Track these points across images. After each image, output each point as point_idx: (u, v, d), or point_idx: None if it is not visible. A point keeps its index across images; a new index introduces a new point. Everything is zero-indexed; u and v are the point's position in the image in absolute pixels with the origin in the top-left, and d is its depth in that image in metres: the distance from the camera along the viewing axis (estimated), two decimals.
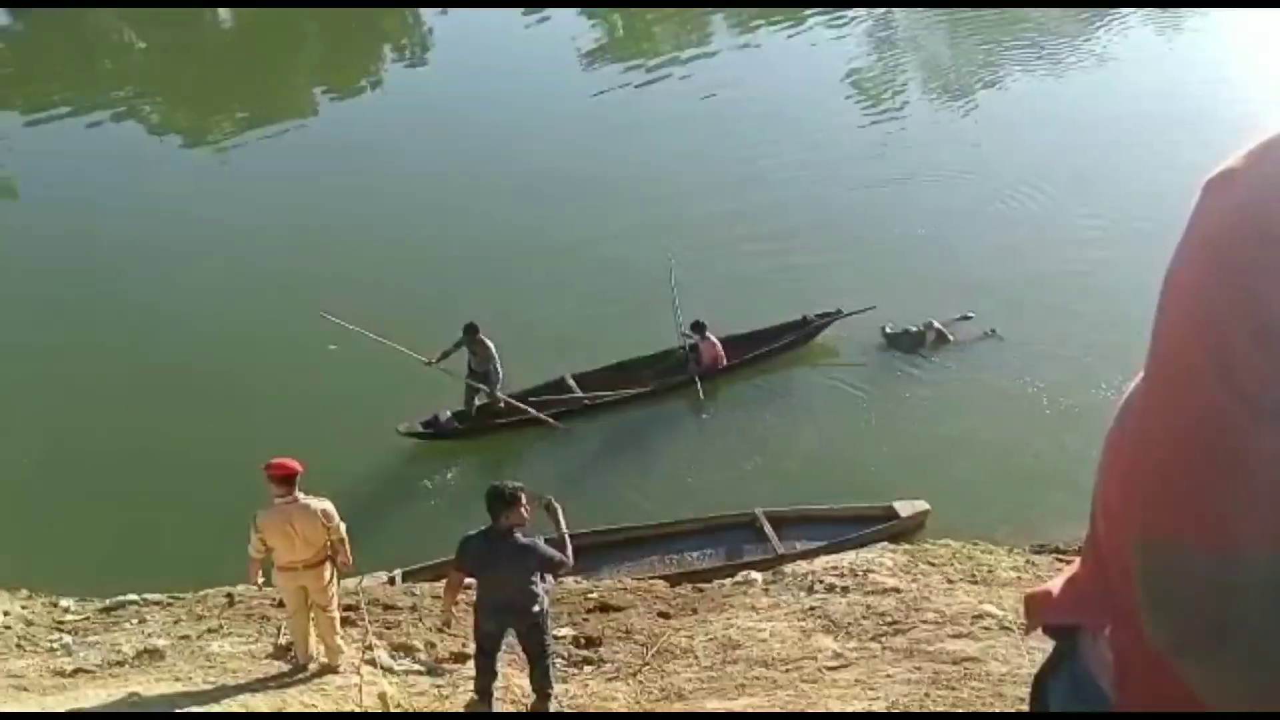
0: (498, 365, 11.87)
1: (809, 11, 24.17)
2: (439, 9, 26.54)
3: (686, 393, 12.38)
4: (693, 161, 17.11)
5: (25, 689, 7.11)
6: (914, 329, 12.89)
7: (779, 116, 18.72)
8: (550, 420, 11.96)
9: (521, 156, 17.91)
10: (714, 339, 12.55)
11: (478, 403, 12.15)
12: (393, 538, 10.26)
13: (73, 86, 24.07)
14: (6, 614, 8.76)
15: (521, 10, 25.75)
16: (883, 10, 24.43)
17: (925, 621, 7.32)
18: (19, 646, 8.16)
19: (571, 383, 12.49)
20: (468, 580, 6.63)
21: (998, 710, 5.99)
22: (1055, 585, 1.30)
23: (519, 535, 6.16)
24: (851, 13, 24.01)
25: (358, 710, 6.66)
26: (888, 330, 12.95)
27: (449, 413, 12.11)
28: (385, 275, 14.54)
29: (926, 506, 10.25)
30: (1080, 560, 1.27)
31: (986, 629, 6.97)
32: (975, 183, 16.32)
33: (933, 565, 8.50)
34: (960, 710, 6.10)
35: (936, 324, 12.87)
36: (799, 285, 13.89)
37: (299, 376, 12.66)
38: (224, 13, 29.26)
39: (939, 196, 16.01)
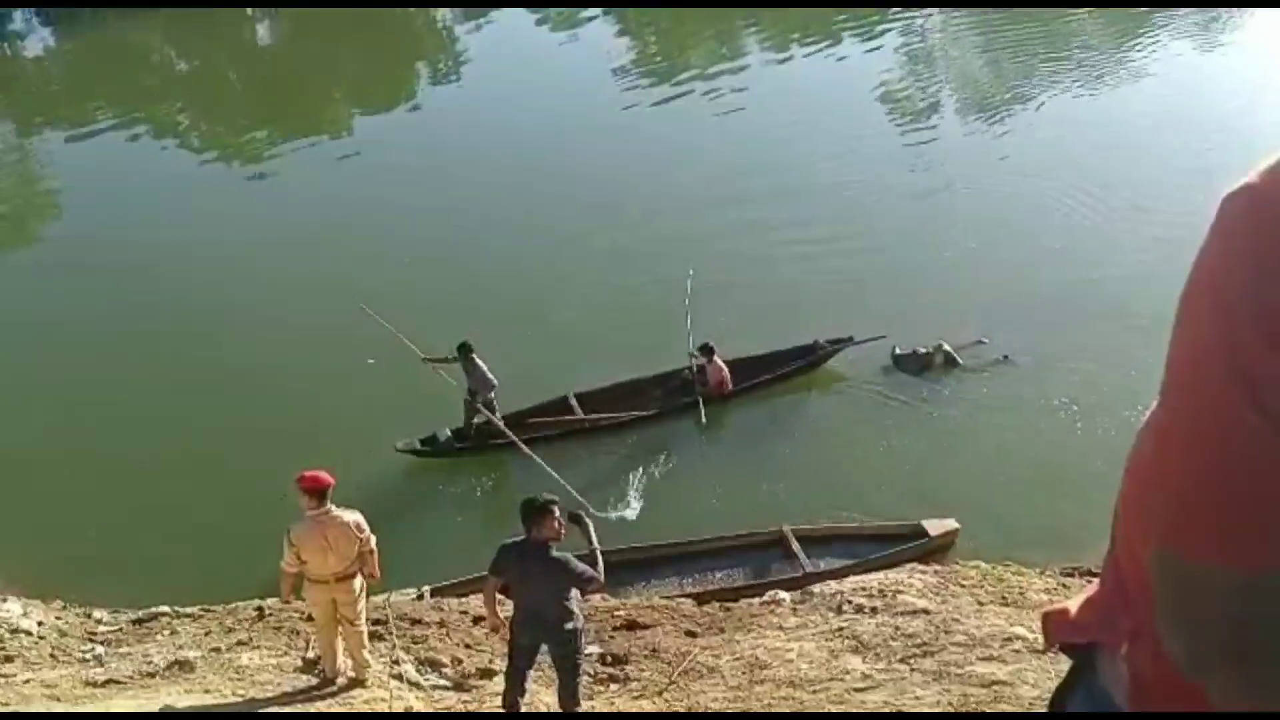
0: (491, 383, 11.83)
1: (842, 18, 24.20)
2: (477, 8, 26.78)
3: (690, 415, 12.23)
4: (721, 175, 17.14)
5: (58, 699, 7.20)
6: (922, 350, 12.74)
7: (810, 132, 18.72)
8: (524, 447, 11.70)
9: (549, 169, 18.09)
10: (720, 362, 12.41)
11: (476, 421, 12.12)
12: (402, 555, 10.26)
13: (114, 103, 24.54)
14: (41, 624, 8.87)
15: (551, 28, 26.01)
16: (919, 22, 24.41)
17: (955, 643, 7.23)
18: (52, 656, 8.26)
19: (574, 402, 12.42)
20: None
21: None
22: (1073, 604, 1.30)
23: (553, 550, 6.13)
24: (884, 25, 24.00)
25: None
26: (896, 351, 12.84)
27: (448, 431, 12.11)
28: (411, 285, 14.64)
29: (956, 525, 10.14)
30: (1099, 580, 1.26)
31: (1017, 652, 6.88)
32: (1004, 200, 16.23)
33: (963, 587, 8.42)
34: None
35: (946, 346, 12.72)
36: (822, 303, 13.84)
37: (332, 389, 12.73)
38: (262, 30, 29.78)
39: (971, 213, 15.94)
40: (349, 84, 25.72)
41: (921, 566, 8.98)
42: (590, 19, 26.37)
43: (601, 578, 6.38)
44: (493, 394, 11.91)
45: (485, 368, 11.80)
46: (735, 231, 15.64)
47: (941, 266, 14.71)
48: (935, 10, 24.78)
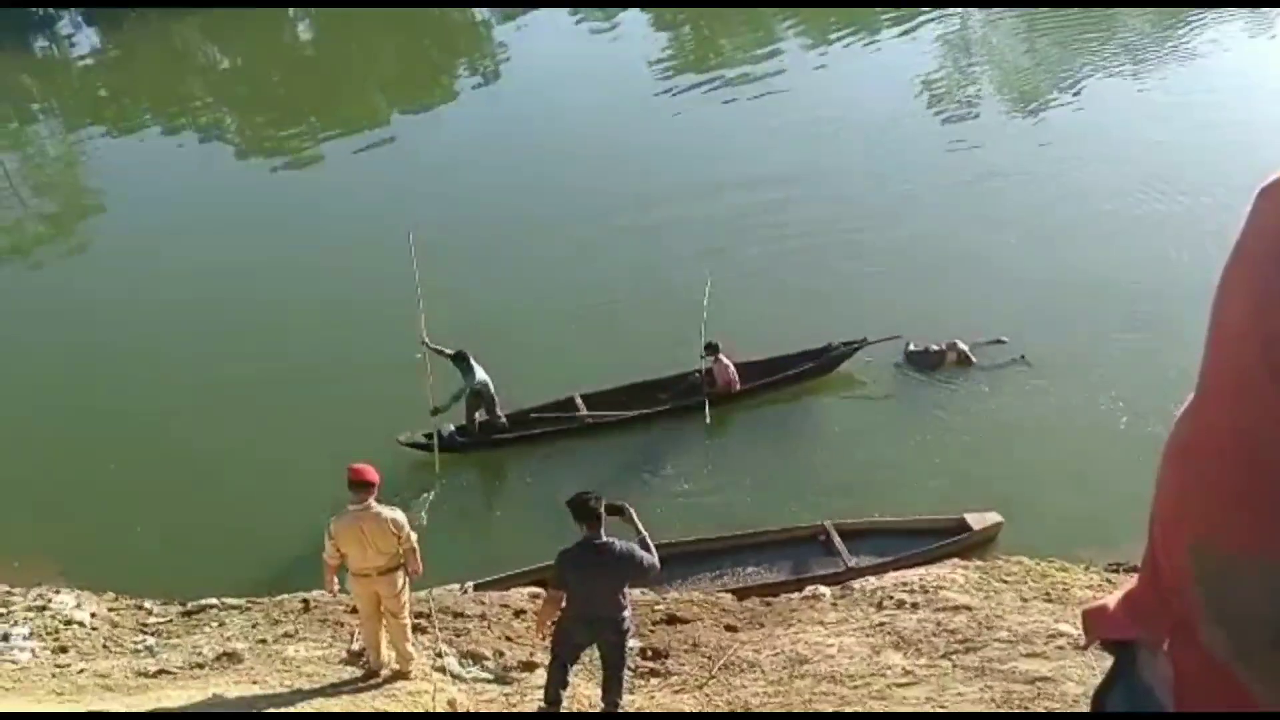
0: (473, 390, 11.87)
1: (884, 17, 24.00)
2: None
3: (696, 415, 12.12)
4: (750, 171, 16.99)
5: (110, 689, 7.36)
6: (935, 348, 12.58)
7: (846, 126, 18.53)
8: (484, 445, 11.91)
9: (578, 165, 18.06)
10: (727, 361, 12.30)
11: (479, 419, 12.17)
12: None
13: (158, 104, 24.94)
14: (94, 615, 9.07)
15: (590, 27, 26.06)
16: (957, 17, 24.15)
17: (998, 640, 7.18)
18: (105, 647, 8.45)
19: (579, 402, 12.40)
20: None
21: None
22: (1112, 600, 1.30)
23: (615, 542, 6.13)
24: (923, 16, 23.76)
25: (426, 712, 6.76)
26: (910, 348, 12.69)
27: (452, 427, 12.14)
28: (445, 284, 14.74)
29: (999, 519, 10.05)
30: (1138, 576, 1.27)
31: (1061, 649, 6.82)
32: (1044, 194, 15.99)
33: (1005, 583, 8.35)
34: None
35: (960, 345, 12.54)
36: (849, 301, 13.71)
37: (380, 383, 12.80)
38: (303, 31, 30.11)
39: (1011, 208, 15.73)
40: (387, 82, 25.92)
41: (963, 562, 8.92)
42: (628, 17, 26.36)
43: (659, 564, 6.35)
44: (491, 391, 11.95)
45: (480, 372, 11.82)
46: (762, 227, 15.51)
47: (979, 261, 14.52)
48: (976, 10, 24.47)
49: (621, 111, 20.51)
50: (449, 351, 11.87)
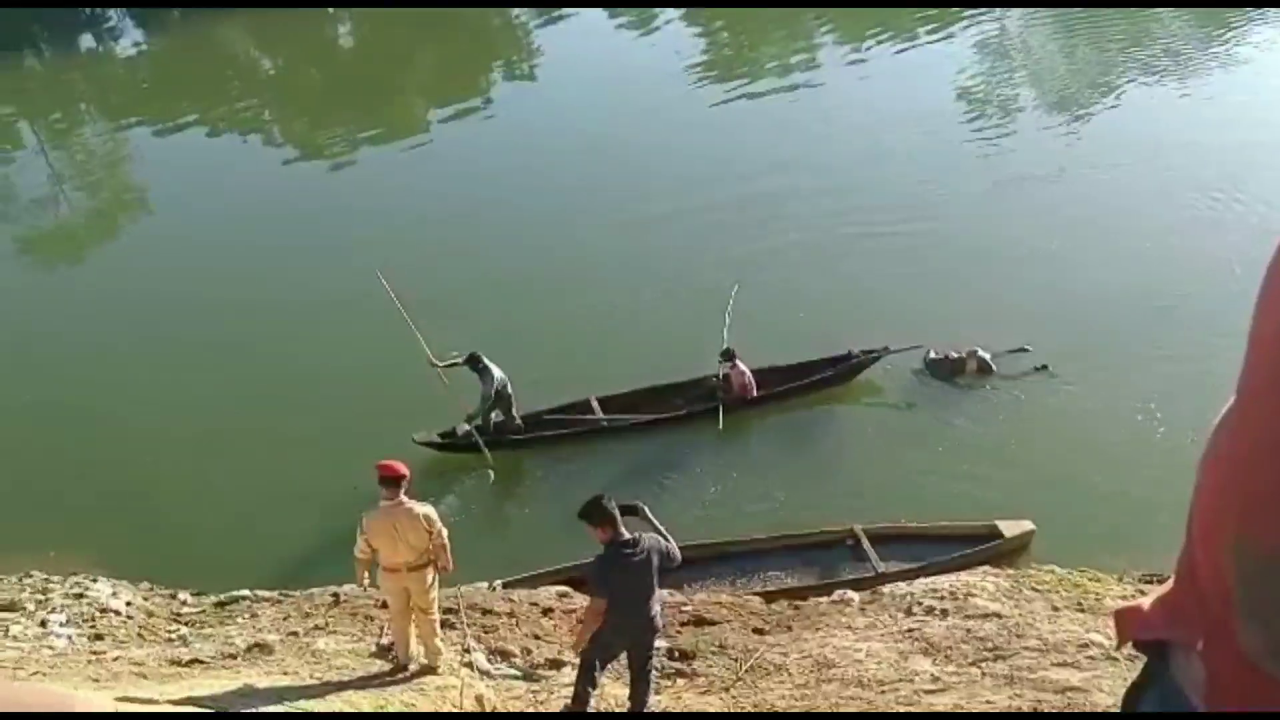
0: (487, 395, 11.88)
1: (918, 18, 23.87)
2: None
3: (711, 420, 12.05)
4: (789, 175, 16.97)
5: (145, 676, 7.45)
6: (955, 355, 12.45)
7: (877, 132, 18.42)
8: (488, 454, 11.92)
9: (611, 165, 18.13)
10: (743, 368, 12.20)
11: (495, 419, 12.18)
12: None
13: (200, 102, 25.27)
14: (129, 604, 9.21)
15: (627, 29, 26.11)
16: (993, 21, 23.96)
17: (1028, 648, 7.12)
18: (140, 636, 8.57)
19: (595, 405, 12.39)
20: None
21: None
22: (1146, 602, 1.29)
23: (640, 535, 6.13)
24: (963, 20, 23.61)
25: (455, 710, 6.79)
26: (930, 356, 12.57)
27: (467, 426, 12.17)
28: (457, 279, 14.87)
29: (1031, 526, 9.96)
30: (1173, 578, 1.26)
31: (1092, 658, 6.75)
32: (1084, 200, 15.83)
33: (1037, 591, 8.27)
34: None
35: (981, 353, 12.41)
36: (876, 308, 13.60)
37: (411, 380, 12.89)
38: (343, 31, 30.41)
39: (1042, 216, 15.57)
40: (424, 84, 26.12)
41: (994, 569, 8.85)
42: (666, 20, 26.40)
43: (679, 554, 6.34)
44: (488, 404, 11.94)
45: (497, 371, 11.84)
46: (790, 230, 15.49)
47: (1016, 267, 14.40)
48: (1014, 10, 24.29)
49: (654, 113, 20.51)
50: (459, 360, 11.88)
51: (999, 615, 7.71)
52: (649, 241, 15.78)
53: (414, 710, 6.90)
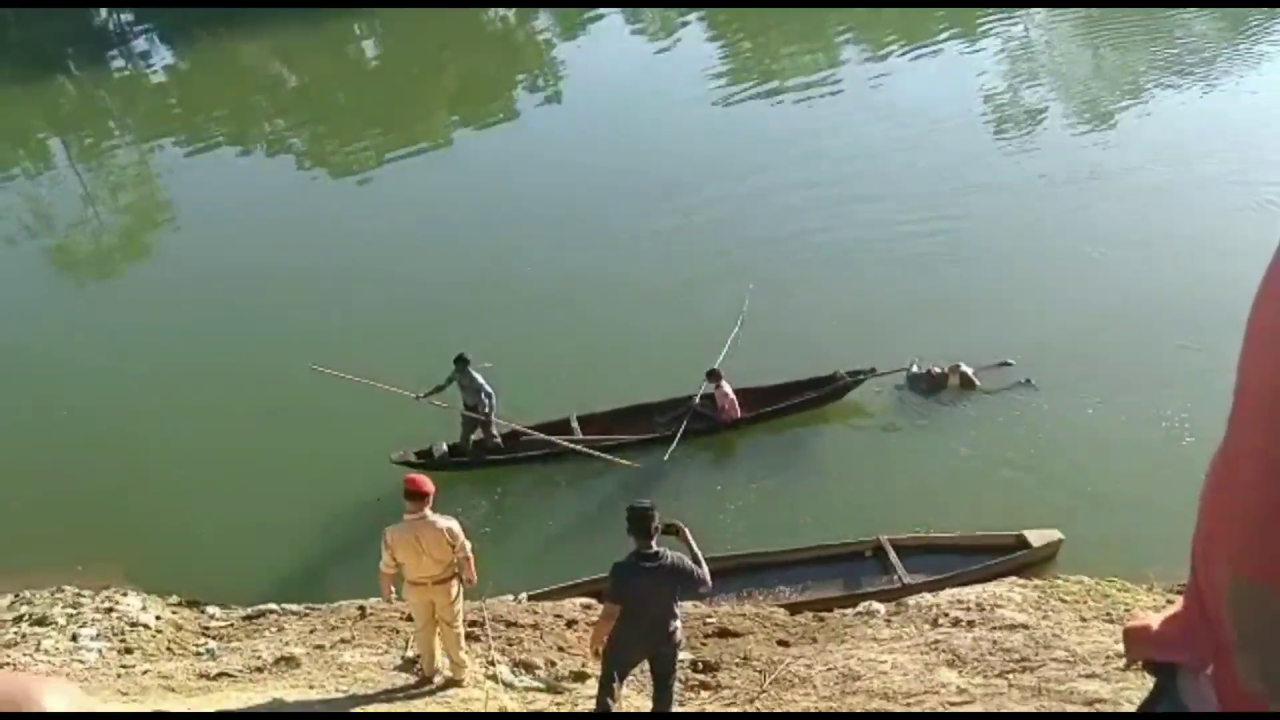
0: (487, 393, 11.75)
1: (939, 22, 23.82)
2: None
3: (692, 441, 11.90)
4: (811, 189, 16.90)
5: (173, 689, 7.53)
6: (936, 370, 12.32)
7: (895, 140, 18.32)
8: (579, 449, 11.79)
9: (629, 175, 18.12)
10: (727, 389, 11.98)
11: (474, 437, 12.06)
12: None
13: (228, 119, 25.58)
14: (158, 619, 9.30)
15: (647, 37, 26.22)
16: (1020, 21, 23.88)
17: (1055, 660, 7.06)
18: (169, 649, 8.66)
19: (575, 424, 12.24)
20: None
21: None
22: (1155, 620, 1.29)
23: (667, 553, 6.12)
24: (985, 26, 23.55)
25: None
26: (912, 370, 12.43)
27: (445, 446, 12.06)
28: (459, 294, 14.94)
29: (1059, 536, 9.84)
30: (1183, 597, 1.26)
31: (1120, 671, 6.67)
32: (1109, 210, 15.70)
33: (1064, 602, 8.20)
34: None
35: (963, 367, 12.26)
36: (880, 325, 13.45)
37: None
38: (369, 47, 30.69)
39: (1071, 223, 15.46)
40: (447, 99, 26.31)
41: (1021, 580, 8.78)
42: (685, 24, 26.50)
43: (710, 582, 6.32)
44: (489, 407, 11.81)
45: (482, 379, 11.72)
46: (806, 245, 15.38)
47: (1044, 272, 14.29)
48: (1037, 10, 24.19)
49: (673, 122, 20.57)
50: (445, 379, 11.79)
51: (1026, 626, 7.64)
52: (658, 255, 15.72)
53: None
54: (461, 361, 11.68)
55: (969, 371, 12.28)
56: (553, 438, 12.06)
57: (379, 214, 18.87)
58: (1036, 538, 9.83)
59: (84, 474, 12.48)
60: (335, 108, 26.24)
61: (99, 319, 16.47)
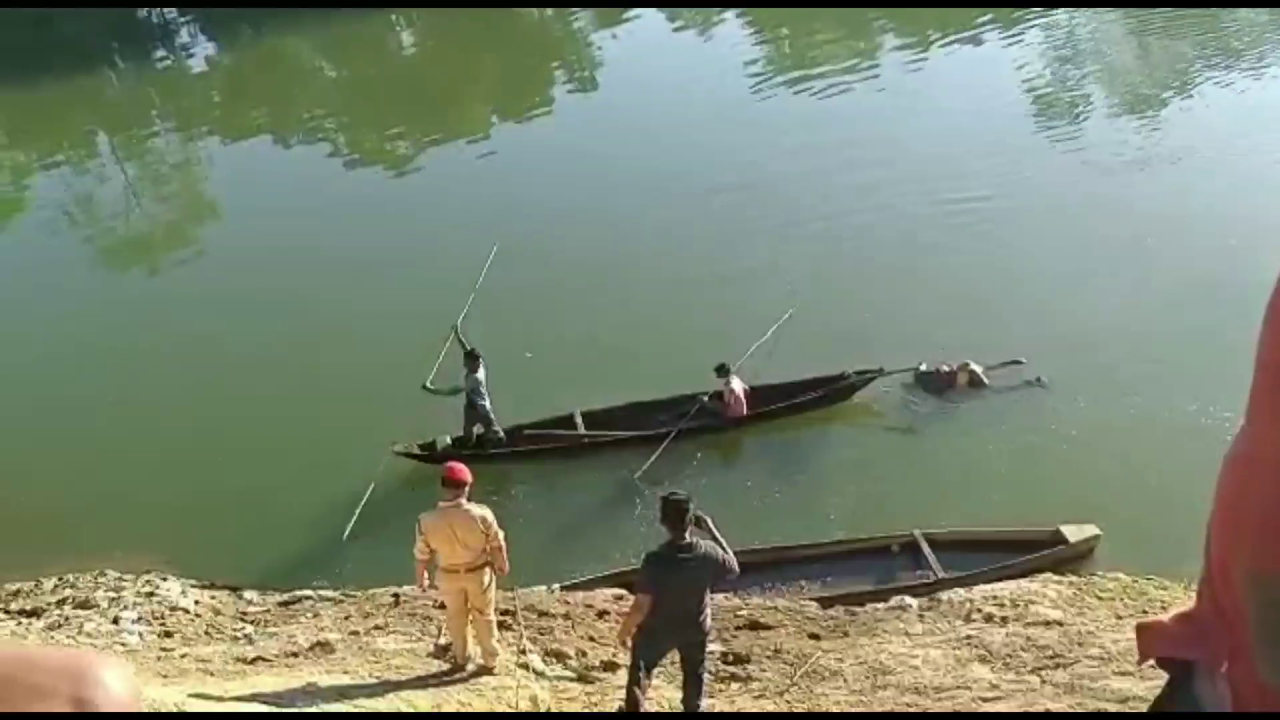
0: (461, 387, 11.77)
1: (978, 13, 23.54)
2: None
3: (698, 438, 11.87)
4: (854, 188, 16.75)
5: (211, 673, 7.66)
6: (945, 369, 12.21)
7: (947, 139, 18.13)
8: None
9: (672, 180, 18.03)
10: (736, 386, 11.93)
11: (477, 431, 12.07)
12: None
13: (270, 113, 25.86)
14: (197, 603, 9.47)
15: (686, 31, 26.16)
16: (1065, 21, 23.54)
17: (1090, 657, 6.99)
18: (207, 634, 8.80)
19: (579, 420, 12.24)
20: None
21: None
22: (1169, 618, 1.28)
23: (700, 543, 6.15)
24: (1030, 21, 23.24)
25: (509, 707, 6.87)
26: (920, 369, 12.31)
27: (448, 439, 12.08)
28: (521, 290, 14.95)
29: (1096, 532, 9.73)
30: (1197, 595, 1.25)
31: (1155, 669, 6.58)
32: (1145, 203, 15.46)
33: (1100, 599, 8.12)
34: None
35: (973, 366, 12.16)
36: (908, 325, 13.30)
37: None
38: (407, 41, 30.88)
39: (1106, 219, 15.23)
40: (485, 93, 26.41)
41: (1056, 577, 8.70)
42: (722, 20, 26.40)
43: (737, 568, 6.35)
44: (488, 408, 11.85)
45: (480, 377, 11.72)
46: (845, 242, 15.32)
47: (1066, 273, 14.05)
48: (1081, 10, 23.82)
49: (709, 118, 20.49)
50: (468, 346, 11.84)
51: (1060, 623, 7.58)
52: (675, 248, 15.70)
53: (470, 710, 7.00)
54: (473, 356, 11.73)
55: (978, 370, 12.20)
56: (557, 432, 12.13)
57: (412, 204, 19.03)
58: (1073, 533, 9.73)
59: (125, 461, 12.70)
60: (375, 99, 26.43)
61: (140, 308, 16.73)
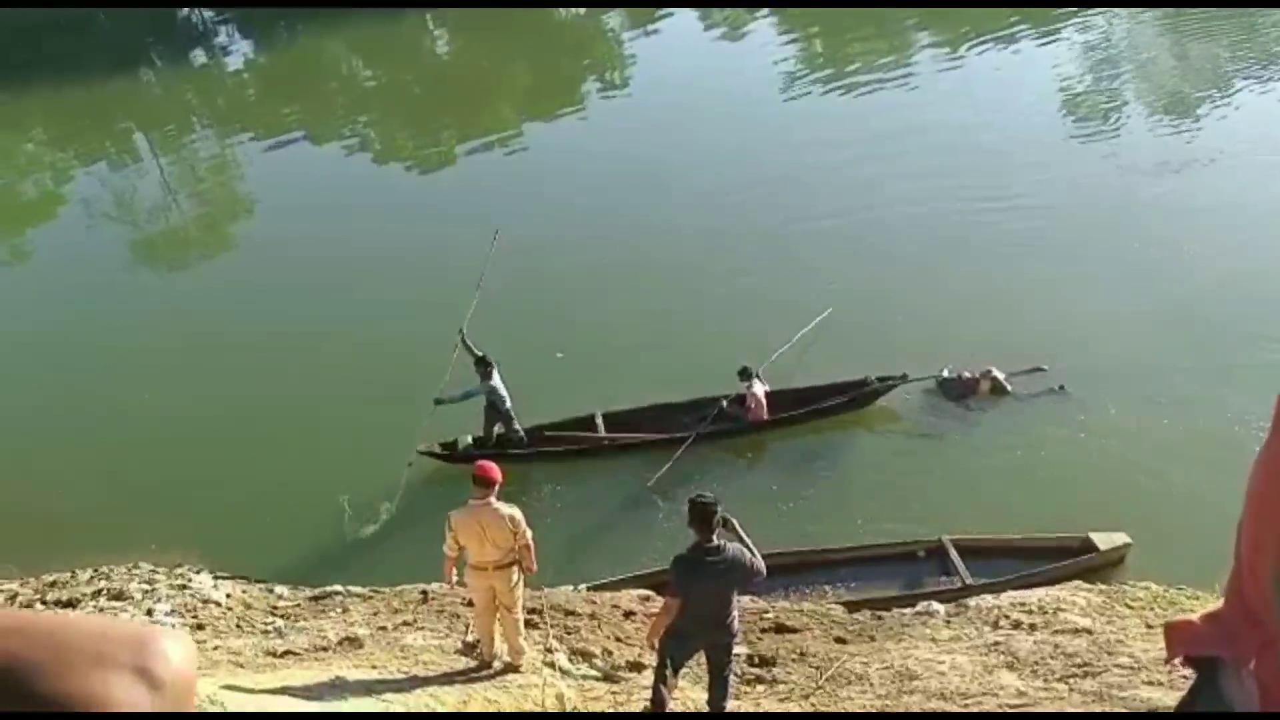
0: (474, 391, 11.76)
1: (1014, 19, 23.39)
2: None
3: (717, 442, 11.87)
4: (887, 191, 16.71)
5: (242, 665, 7.75)
6: (967, 375, 12.14)
7: (982, 141, 18.05)
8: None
9: (701, 180, 18.06)
10: (758, 390, 11.91)
11: (497, 431, 12.12)
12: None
13: (305, 112, 26.11)
14: (229, 597, 9.58)
15: (718, 33, 26.16)
16: (1100, 22, 23.34)
17: (1119, 666, 6.94)
18: (238, 627, 8.91)
19: (600, 421, 12.29)
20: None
21: None
22: (1197, 617, 1.30)
23: (728, 545, 6.17)
24: (1065, 21, 23.07)
25: (537, 710, 6.91)
26: (943, 375, 12.24)
27: (469, 438, 12.16)
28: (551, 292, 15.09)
29: (1127, 540, 9.65)
30: (1225, 595, 1.27)
31: (1185, 678, 6.52)
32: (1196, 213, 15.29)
33: (1130, 608, 8.05)
34: None
35: (995, 373, 12.08)
36: (921, 330, 13.25)
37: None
38: (441, 41, 31.09)
39: (1145, 223, 15.10)
40: (519, 91, 26.55)
41: (1086, 585, 8.63)
42: (755, 19, 26.39)
43: (764, 569, 6.38)
44: (508, 406, 11.89)
45: (499, 383, 11.74)
46: (872, 243, 15.27)
47: (1094, 278, 13.92)
48: (1116, 10, 23.62)
49: (737, 117, 20.50)
50: (478, 352, 11.83)
51: (1089, 631, 7.52)
52: (721, 249, 15.69)
53: (497, 707, 7.05)
54: (483, 363, 11.73)
55: (1000, 377, 12.12)
56: (577, 434, 12.16)
57: (442, 202, 19.17)
58: (1103, 540, 9.65)
59: (158, 455, 12.87)
60: (407, 100, 26.63)
61: (175, 304, 16.94)
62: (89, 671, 0.69)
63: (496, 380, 11.82)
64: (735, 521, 6.38)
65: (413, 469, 11.76)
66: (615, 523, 11.22)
